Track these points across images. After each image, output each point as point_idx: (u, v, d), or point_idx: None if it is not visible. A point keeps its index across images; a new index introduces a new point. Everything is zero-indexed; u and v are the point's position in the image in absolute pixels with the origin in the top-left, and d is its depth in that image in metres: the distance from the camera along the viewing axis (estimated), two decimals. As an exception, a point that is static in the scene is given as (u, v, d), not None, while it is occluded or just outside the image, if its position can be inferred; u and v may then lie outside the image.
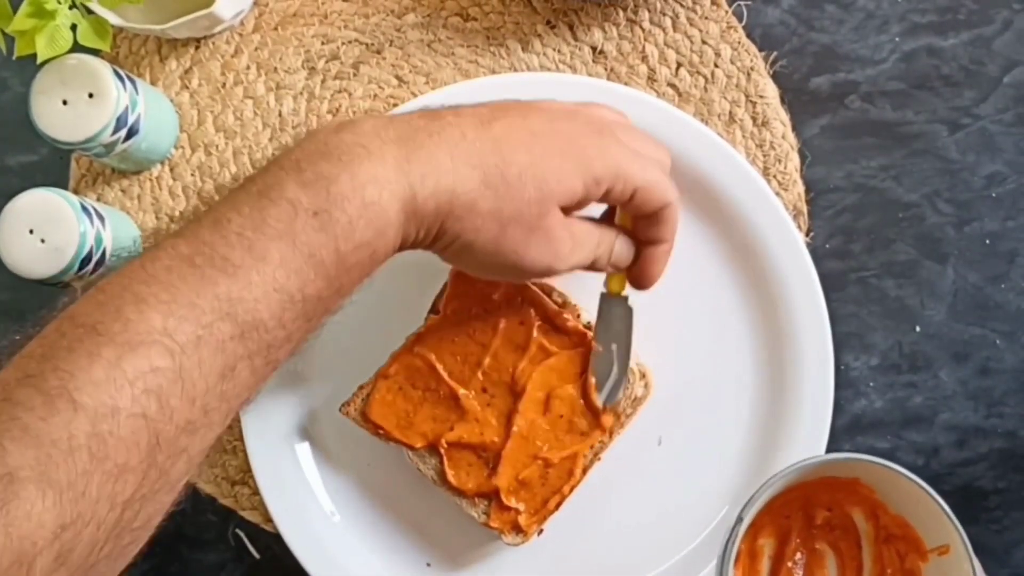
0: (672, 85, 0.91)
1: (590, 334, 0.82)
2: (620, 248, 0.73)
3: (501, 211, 0.64)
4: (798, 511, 0.82)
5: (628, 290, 0.79)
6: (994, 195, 0.90)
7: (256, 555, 0.92)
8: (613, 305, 0.79)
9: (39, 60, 0.78)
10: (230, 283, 0.56)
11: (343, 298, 0.62)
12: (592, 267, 0.73)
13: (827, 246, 0.90)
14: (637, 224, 0.74)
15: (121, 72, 0.85)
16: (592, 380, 0.81)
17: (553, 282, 0.84)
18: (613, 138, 0.69)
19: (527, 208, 0.65)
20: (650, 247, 0.74)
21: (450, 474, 0.82)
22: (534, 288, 0.82)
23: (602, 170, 0.67)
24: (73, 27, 0.79)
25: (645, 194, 0.69)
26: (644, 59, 0.91)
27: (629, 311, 0.79)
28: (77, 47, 0.80)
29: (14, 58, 0.79)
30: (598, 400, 0.81)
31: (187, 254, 0.57)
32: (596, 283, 0.84)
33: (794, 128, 0.90)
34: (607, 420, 0.81)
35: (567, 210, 0.68)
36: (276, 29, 0.93)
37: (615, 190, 0.68)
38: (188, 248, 0.57)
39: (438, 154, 0.63)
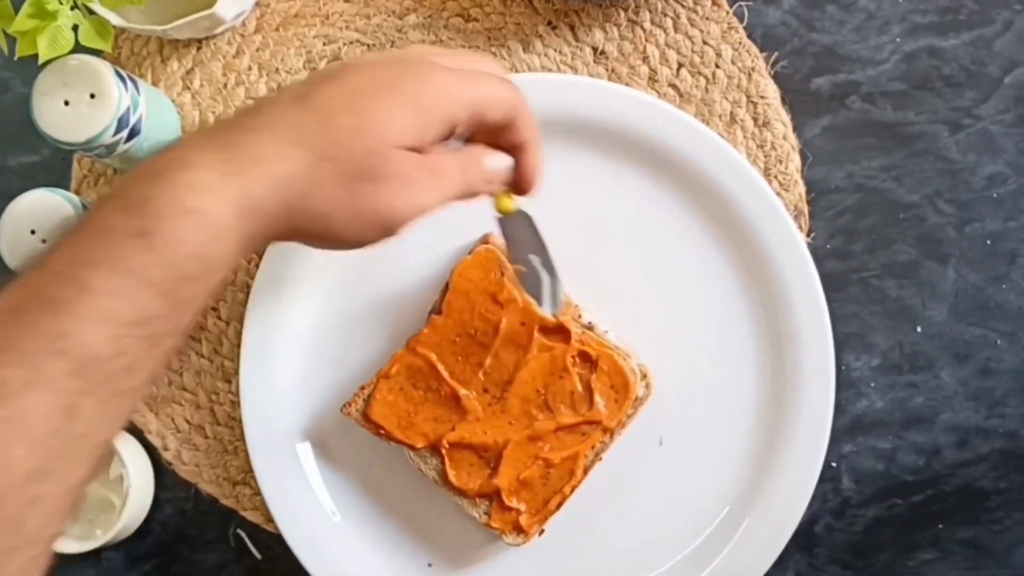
0: (673, 86, 0.91)
1: (591, 334, 0.82)
2: (491, 164, 0.70)
3: (344, 176, 0.62)
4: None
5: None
6: (995, 195, 0.90)
7: (257, 555, 0.92)
8: (512, 223, 0.76)
9: (40, 61, 0.78)
10: (57, 320, 0.54)
11: (188, 315, 0.59)
12: (471, 194, 0.70)
13: (828, 246, 0.90)
14: (498, 138, 0.70)
15: (123, 73, 0.85)
16: (530, 300, 0.81)
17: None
18: (435, 68, 0.66)
19: (367, 160, 0.62)
20: (519, 153, 0.71)
21: (451, 474, 0.83)
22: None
23: (430, 98, 0.64)
24: (75, 28, 0.79)
25: (486, 107, 0.66)
26: (645, 60, 0.91)
27: (529, 219, 0.76)
28: (79, 48, 0.80)
29: (16, 59, 0.79)
30: (546, 313, 0.79)
31: (13, 301, 0.55)
32: (596, 283, 0.85)
33: (795, 129, 0.91)
34: (569, 329, 0.82)
35: (418, 149, 0.65)
36: (278, 30, 0.93)
37: (455, 115, 0.65)
38: (14, 295, 0.55)
39: (263, 146, 0.60)
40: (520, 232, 0.77)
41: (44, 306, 0.54)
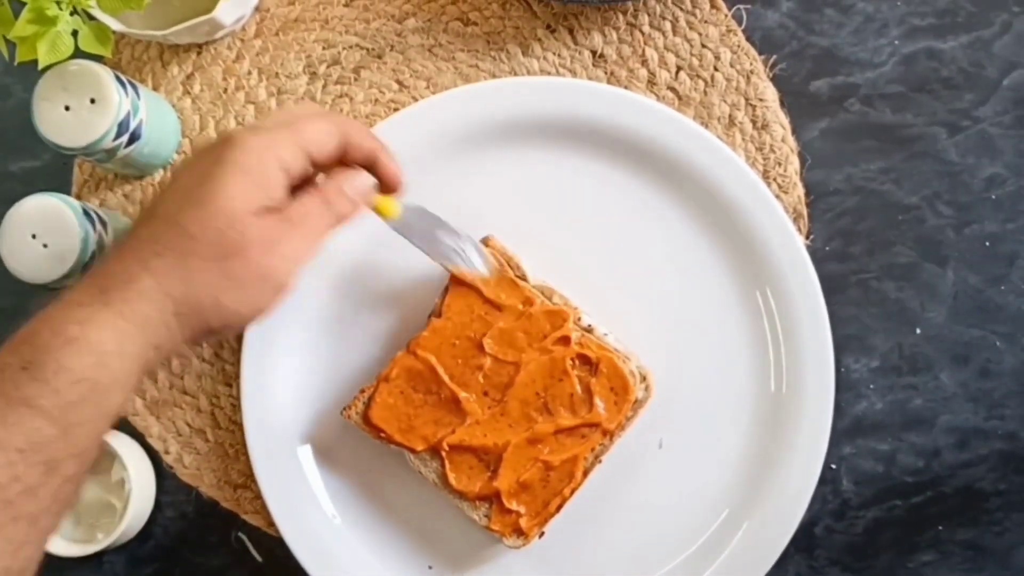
0: (672, 89, 0.91)
1: (591, 336, 0.82)
2: (350, 187, 0.73)
3: (211, 261, 0.66)
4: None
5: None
6: (994, 197, 0.90)
7: (259, 559, 0.92)
8: (405, 222, 0.79)
9: (40, 66, 0.79)
10: None
11: (85, 439, 0.62)
12: (346, 219, 0.73)
13: (827, 249, 0.90)
14: (349, 160, 0.74)
15: (123, 77, 0.85)
16: (463, 271, 0.83)
17: (553, 287, 0.84)
18: (247, 132, 0.68)
19: (225, 238, 0.66)
20: (372, 164, 0.74)
21: (451, 477, 0.83)
22: (535, 292, 0.83)
23: (254, 160, 0.67)
24: (74, 33, 0.79)
25: (312, 144, 0.70)
26: (644, 63, 0.91)
27: (418, 208, 0.80)
28: (79, 53, 0.80)
29: (16, 64, 0.79)
30: (484, 274, 0.83)
31: None
32: (595, 286, 0.85)
33: (794, 131, 0.91)
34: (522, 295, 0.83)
35: (277, 207, 0.68)
36: (277, 34, 0.93)
37: (286, 163, 0.68)
38: None
39: (129, 267, 0.65)
40: (417, 224, 0.80)
41: None
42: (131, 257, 0.65)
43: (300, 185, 0.71)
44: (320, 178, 0.72)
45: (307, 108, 0.76)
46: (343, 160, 0.73)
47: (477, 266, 0.82)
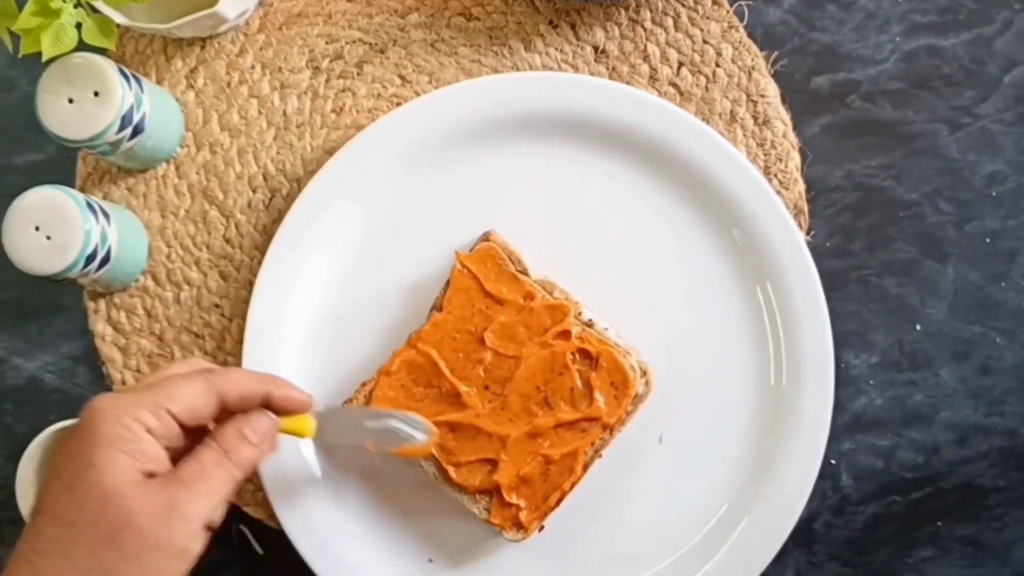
0: (674, 84, 0.91)
1: (591, 331, 0.82)
2: (253, 430, 0.71)
3: (101, 548, 0.62)
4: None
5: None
6: (994, 194, 0.90)
7: (259, 551, 0.92)
8: (328, 430, 0.77)
9: (44, 58, 0.79)
10: None
11: None
12: (254, 465, 0.70)
13: (828, 245, 0.90)
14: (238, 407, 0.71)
15: (127, 71, 0.85)
16: (407, 449, 0.81)
17: (555, 282, 0.84)
18: (106, 401, 0.66)
19: (109, 517, 0.63)
20: (266, 403, 0.72)
21: (451, 471, 0.83)
22: (536, 286, 0.83)
23: (119, 429, 0.64)
24: (78, 26, 0.80)
25: (182, 407, 0.67)
26: (646, 58, 0.91)
27: (330, 411, 0.81)
28: (83, 46, 0.81)
29: (20, 56, 0.79)
30: (424, 444, 0.81)
31: None
32: (596, 280, 0.85)
33: (795, 127, 0.91)
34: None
35: (159, 472, 0.66)
36: (281, 29, 0.94)
37: (153, 426, 0.66)
38: None
39: (12, 569, 0.63)
40: (340, 427, 0.79)
41: None
42: (18, 562, 0.63)
43: (197, 433, 0.69)
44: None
45: (184, 365, 0.72)
46: (231, 410, 0.70)
47: (417, 438, 0.80)
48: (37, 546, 0.63)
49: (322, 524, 0.88)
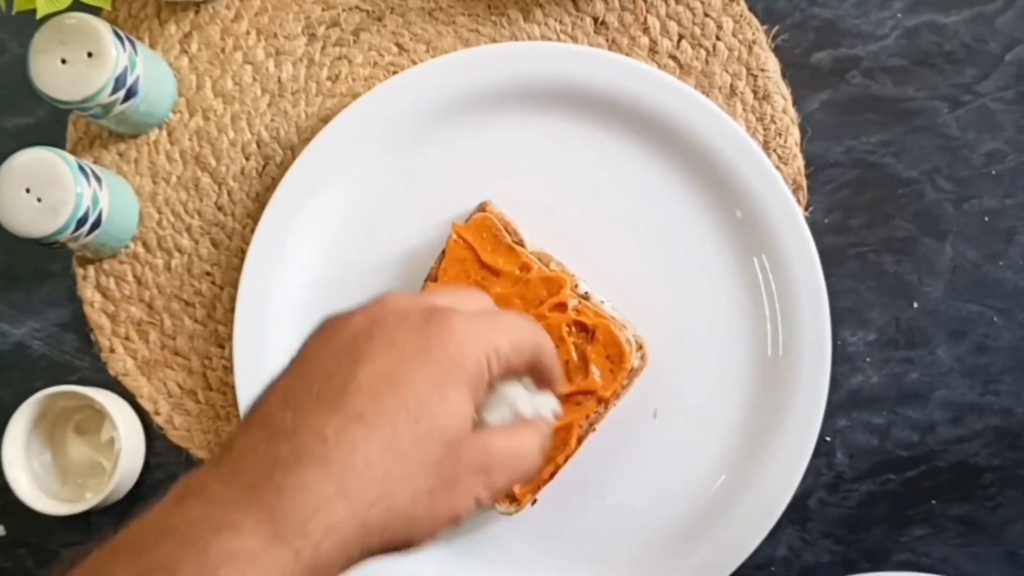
0: (673, 57, 0.91)
1: (588, 303, 0.82)
2: (552, 416, 0.64)
3: (419, 495, 0.52)
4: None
5: None
6: (994, 173, 0.90)
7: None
8: None
9: (39, 15, 0.78)
10: None
11: None
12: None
13: (826, 221, 0.90)
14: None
15: (120, 33, 0.84)
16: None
17: (551, 254, 0.84)
18: (456, 321, 0.56)
19: (441, 468, 0.53)
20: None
21: (445, 442, 0.82)
22: (532, 258, 0.82)
23: (471, 364, 0.55)
24: (73, -17, 0.79)
25: (510, 367, 0.58)
26: (646, 31, 0.91)
27: None
28: (78, 5, 0.80)
29: (14, 13, 0.78)
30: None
31: None
32: (593, 253, 0.85)
33: (795, 102, 0.90)
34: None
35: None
36: (277, -6, 0.93)
37: (497, 371, 0.57)
38: None
39: (312, 486, 0.49)
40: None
41: None
42: (318, 473, 0.49)
43: None
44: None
45: (482, 299, 0.63)
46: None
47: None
48: (351, 459, 0.50)
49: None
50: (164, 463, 0.92)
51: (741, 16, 0.90)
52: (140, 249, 0.92)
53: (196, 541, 0.47)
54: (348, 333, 0.56)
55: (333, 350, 0.55)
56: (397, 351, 0.54)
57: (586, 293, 0.83)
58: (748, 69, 0.90)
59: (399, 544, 0.53)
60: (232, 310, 0.88)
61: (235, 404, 0.88)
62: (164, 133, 0.92)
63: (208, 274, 0.92)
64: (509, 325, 0.59)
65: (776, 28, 0.90)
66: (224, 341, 0.91)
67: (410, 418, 0.52)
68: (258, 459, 0.50)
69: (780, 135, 0.89)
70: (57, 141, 0.92)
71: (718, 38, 0.90)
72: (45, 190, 0.81)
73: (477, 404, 0.56)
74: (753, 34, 0.90)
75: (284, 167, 0.89)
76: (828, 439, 0.89)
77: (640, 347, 0.83)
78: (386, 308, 0.57)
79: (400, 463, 0.51)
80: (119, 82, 0.83)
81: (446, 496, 0.53)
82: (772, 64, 0.90)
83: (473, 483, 0.55)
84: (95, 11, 0.82)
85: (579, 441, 0.82)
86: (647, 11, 0.91)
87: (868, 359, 0.90)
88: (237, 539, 0.47)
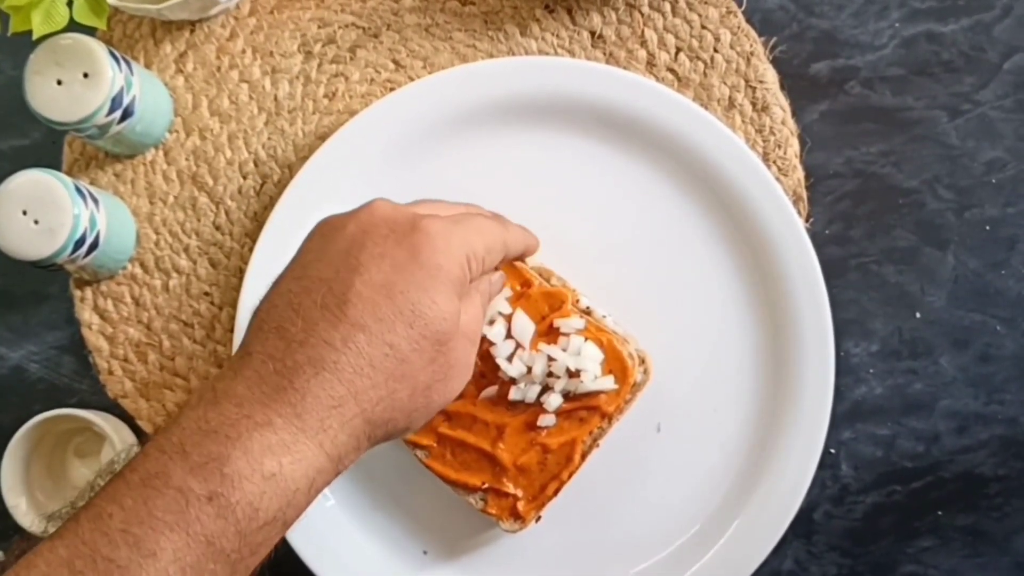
0: (671, 70, 0.90)
1: (590, 318, 0.81)
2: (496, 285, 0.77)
3: (418, 390, 0.63)
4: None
5: None
6: (994, 181, 0.90)
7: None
8: None
9: (35, 36, 0.78)
10: None
11: (254, 566, 0.58)
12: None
13: (827, 232, 0.90)
14: None
15: (116, 53, 0.84)
16: None
17: (552, 269, 0.84)
18: (435, 225, 0.66)
19: (437, 367, 0.64)
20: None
21: (448, 460, 0.82)
22: (533, 273, 0.82)
23: (454, 265, 0.65)
24: (69, 3, 0.78)
25: (484, 267, 0.71)
26: (643, 44, 0.90)
27: None
28: (73, 26, 0.79)
29: (9, 34, 0.78)
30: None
31: (66, 557, 0.53)
32: (594, 268, 0.84)
33: (794, 114, 0.90)
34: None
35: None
36: (272, 12, 0.92)
37: (477, 269, 0.68)
38: (67, 551, 0.53)
39: (327, 389, 0.59)
40: None
41: (103, 570, 0.52)
42: (331, 376, 0.59)
43: None
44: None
45: (454, 207, 0.76)
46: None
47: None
48: (357, 363, 0.60)
49: (314, 514, 0.86)
50: (165, 485, 0.91)
51: (739, 28, 0.90)
52: (138, 270, 0.91)
53: (240, 437, 0.56)
54: (343, 242, 0.64)
55: (330, 258, 0.63)
56: (388, 261, 0.62)
57: (588, 308, 0.83)
58: (746, 81, 0.90)
59: (400, 432, 0.64)
60: (231, 330, 0.88)
61: (236, 425, 0.87)
62: (161, 153, 0.92)
63: (206, 294, 0.91)
64: (482, 227, 0.70)
65: (774, 39, 0.90)
66: (223, 361, 0.90)
67: (405, 323, 0.61)
68: (279, 365, 0.59)
69: (779, 147, 0.89)
70: (53, 162, 0.92)
71: (716, 50, 0.90)
72: (42, 212, 0.81)
73: (460, 301, 0.66)
74: (751, 46, 0.90)
75: (282, 186, 0.88)
76: (833, 451, 0.89)
77: (643, 361, 0.83)
78: (375, 217, 0.66)
79: (400, 365, 0.61)
80: (115, 102, 0.82)
81: (440, 387, 0.64)
82: (770, 76, 0.90)
83: (461, 373, 0.67)
84: (90, 31, 0.82)
85: (583, 457, 0.81)
86: (644, 24, 0.90)
87: (871, 370, 0.89)
88: (273, 434, 0.57)
